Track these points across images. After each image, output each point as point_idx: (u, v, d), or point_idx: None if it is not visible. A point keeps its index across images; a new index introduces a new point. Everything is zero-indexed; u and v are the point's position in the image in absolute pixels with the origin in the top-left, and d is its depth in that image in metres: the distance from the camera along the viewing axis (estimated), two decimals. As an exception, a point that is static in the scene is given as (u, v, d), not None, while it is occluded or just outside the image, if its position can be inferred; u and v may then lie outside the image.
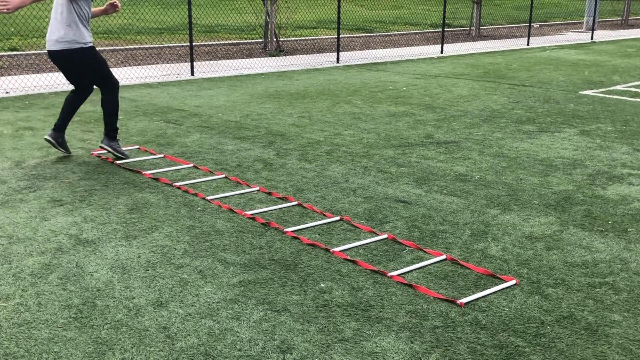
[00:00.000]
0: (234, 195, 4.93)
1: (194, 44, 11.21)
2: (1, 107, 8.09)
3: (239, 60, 12.81)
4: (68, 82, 9.79)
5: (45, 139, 5.75)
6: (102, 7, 5.81)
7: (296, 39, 16.04)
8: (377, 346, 2.96)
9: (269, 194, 4.97)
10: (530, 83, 10.37)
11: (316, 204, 4.75)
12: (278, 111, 7.99)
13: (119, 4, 5.83)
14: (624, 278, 3.64)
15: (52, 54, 5.50)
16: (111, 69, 11.02)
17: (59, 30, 5.42)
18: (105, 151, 5.94)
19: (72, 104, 5.78)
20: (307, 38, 16.41)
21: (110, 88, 5.75)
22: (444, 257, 3.87)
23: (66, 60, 5.50)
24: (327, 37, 16.73)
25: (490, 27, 20.64)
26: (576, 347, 2.97)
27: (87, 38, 5.49)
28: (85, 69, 5.60)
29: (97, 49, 13.90)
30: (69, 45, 5.42)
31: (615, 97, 9.23)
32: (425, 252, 3.95)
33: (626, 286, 3.54)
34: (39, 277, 3.58)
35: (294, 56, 13.43)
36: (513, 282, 3.56)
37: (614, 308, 3.31)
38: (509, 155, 6.08)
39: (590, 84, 10.31)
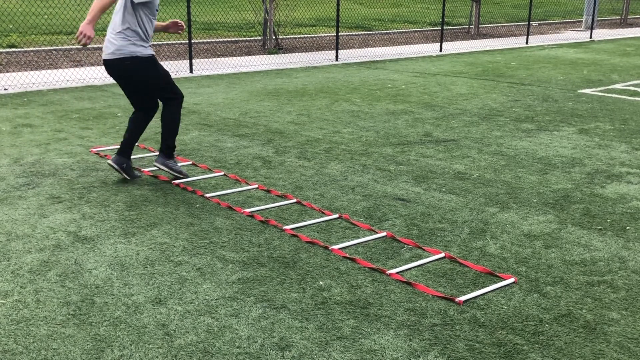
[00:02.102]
0: (232, 192, 4.92)
1: (192, 41, 11.20)
2: (0, 103, 8.08)
3: (238, 57, 12.80)
4: (66, 79, 9.85)
5: (109, 164, 5.16)
6: (165, 23, 5.30)
7: (295, 36, 16.03)
8: (375, 344, 2.96)
9: (268, 191, 4.97)
10: (529, 82, 10.37)
11: (315, 201, 4.75)
12: (277, 109, 7.99)
13: (184, 25, 5.33)
14: (622, 276, 3.64)
15: (107, 63, 4.93)
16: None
17: (116, 39, 4.84)
18: (103, 149, 5.92)
19: (136, 122, 5.16)
20: (306, 36, 16.40)
21: (172, 102, 5.17)
22: (442, 255, 3.87)
23: (121, 70, 4.94)
24: (326, 35, 16.72)
25: (489, 25, 20.64)
26: (574, 345, 2.97)
27: (146, 49, 4.92)
28: (143, 82, 5.01)
29: (97, 47, 13.83)
30: (125, 54, 4.84)
31: (614, 95, 9.24)
32: (424, 250, 3.95)
33: (624, 284, 3.55)
34: (38, 274, 3.58)
35: (293, 54, 13.42)
36: (512, 280, 3.56)
37: (612, 306, 3.32)
38: (507, 154, 6.08)
39: (589, 83, 10.32)
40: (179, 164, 5.35)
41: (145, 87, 5.04)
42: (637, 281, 3.59)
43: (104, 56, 4.89)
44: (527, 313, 3.24)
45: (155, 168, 5.28)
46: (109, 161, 5.16)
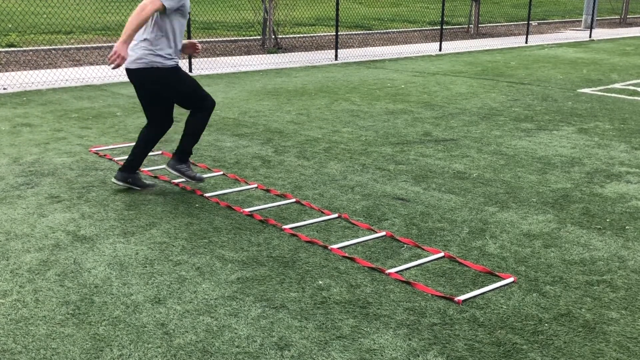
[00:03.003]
0: (232, 192, 4.92)
1: (192, 40, 11.20)
2: (-1, 103, 8.08)
3: (237, 57, 12.79)
4: (65, 78, 9.84)
5: (113, 182, 4.92)
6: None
7: (294, 36, 16.03)
8: (375, 343, 2.96)
9: (267, 191, 4.97)
10: (529, 81, 10.37)
11: (314, 201, 4.75)
12: (276, 108, 7.98)
13: (200, 47, 5.04)
14: (621, 276, 3.64)
15: (127, 72, 4.64)
16: (109, 66, 11.03)
17: (139, 47, 4.53)
18: (103, 148, 5.92)
19: (146, 139, 4.88)
20: (305, 35, 16.40)
21: (200, 110, 4.81)
22: (442, 254, 3.87)
23: (140, 81, 4.64)
24: (325, 34, 16.71)
25: (489, 25, 20.64)
26: (574, 345, 2.97)
27: (168, 59, 4.57)
28: (161, 95, 4.74)
29: (96, 46, 13.79)
30: (145, 65, 4.52)
31: (613, 95, 9.24)
32: (423, 249, 3.95)
33: (624, 284, 3.55)
34: (37, 273, 3.58)
35: (292, 53, 13.42)
36: (511, 279, 3.56)
37: (612, 306, 3.32)
38: (507, 153, 6.08)
39: (588, 82, 10.32)
40: (188, 168, 4.92)
41: (164, 99, 4.76)
42: (636, 280, 3.59)
43: (125, 64, 4.54)
44: (526, 312, 3.24)
45: (174, 173, 4.92)
46: (113, 180, 4.90)
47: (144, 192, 4.84)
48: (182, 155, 4.84)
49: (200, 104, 4.76)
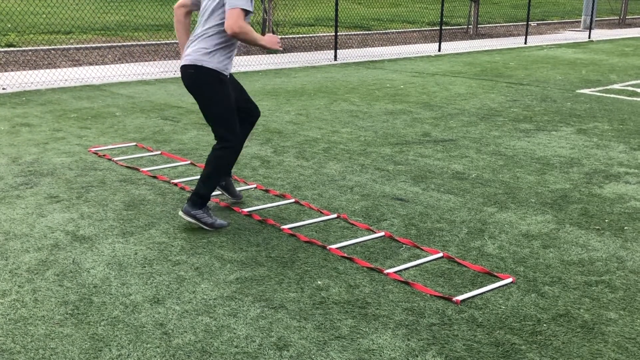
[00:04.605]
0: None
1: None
2: (-2, 103, 8.08)
3: (237, 57, 12.78)
4: (64, 78, 9.85)
5: (180, 216, 4.24)
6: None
7: (294, 36, 16.03)
8: (373, 343, 2.96)
9: (266, 191, 4.97)
10: (528, 81, 10.38)
11: (313, 201, 4.75)
12: (275, 108, 7.98)
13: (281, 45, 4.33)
14: (620, 276, 3.65)
15: (180, 71, 4.22)
16: (109, 66, 11.07)
17: (192, 43, 4.15)
18: (102, 148, 5.92)
19: (213, 157, 4.24)
20: (304, 35, 16.40)
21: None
22: (440, 254, 3.87)
23: (185, 80, 4.19)
24: (324, 34, 16.72)
25: (488, 25, 20.64)
26: (572, 345, 2.97)
27: (218, 62, 4.09)
28: (199, 98, 4.20)
29: (95, 46, 13.76)
30: (191, 61, 4.10)
31: (612, 96, 9.25)
32: (422, 249, 3.95)
33: (622, 284, 3.55)
34: (36, 273, 3.58)
35: (292, 53, 13.42)
36: (509, 280, 3.57)
37: (610, 306, 3.32)
38: (506, 154, 6.08)
39: (587, 83, 10.32)
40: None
41: (202, 104, 4.21)
42: (634, 281, 3.59)
43: (182, 61, 4.19)
44: (525, 313, 3.24)
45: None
46: (180, 213, 4.21)
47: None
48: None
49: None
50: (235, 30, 3.91)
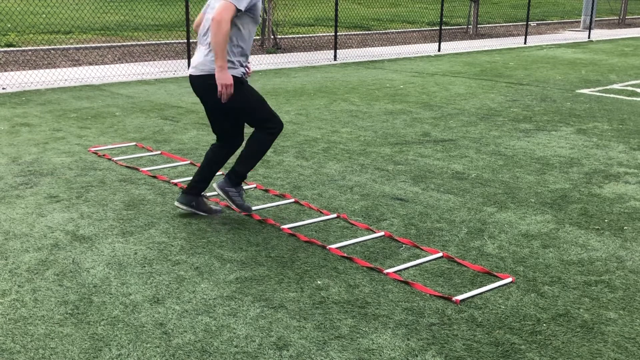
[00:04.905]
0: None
1: (191, 40, 11.19)
2: (-2, 103, 8.08)
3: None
4: (64, 78, 9.84)
5: (176, 206, 4.41)
6: None
7: (294, 36, 16.03)
8: (373, 343, 2.96)
9: (266, 191, 4.97)
10: (528, 81, 10.38)
11: (313, 201, 4.75)
12: (275, 108, 7.98)
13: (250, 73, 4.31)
14: (619, 276, 3.65)
15: (190, 80, 4.20)
16: (108, 66, 11.07)
17: (203, 51, 4.08)
18: (102, 148, 5.90)
19: (214, 156, 4.37)
20: (304, 35, 16.40)
21: (264, 130, 4.25)
22: (440, 254, 3.87)
23: (202, 89, 4.14)
24: (324, 34, 16.72)
25: (488, 25, 20.65)
26: (572, 345, 2.97)
27: (235, 68, 4.06)
28: (225, 106, 4.14)
29: (95, 46, 13.79)
30: (208, 71, 4.03)
31: (612, 96, 9.25)
32: (421, 249, 3.95)
33: (622, 284, 3.55)
34: (36, 273, 3.58)
35: (292, 53, 13.42)
36: (509, 279, 3.57)
37: (610, 306, 3.32)
38: (505, 154, 6.09)
39: (587, 83, 10.33)
40: (238, 193, 4.30)
41: (227, 112, 4.22)
42: (634, 281, 3.59)
43: (189, 70, 4.18)
44: (524, 312, 3.24)
45: (221, 195, 4.29)
46: (176, 203, 4.39)
47: (208, 217, 4.40)
48: (234, 177, 4.25)
49: (262, 122, 4.23)
50: (215, 18, 3.84)
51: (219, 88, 3.94)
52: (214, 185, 4.29)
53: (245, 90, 4.15)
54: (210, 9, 4.09)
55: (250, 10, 3.99)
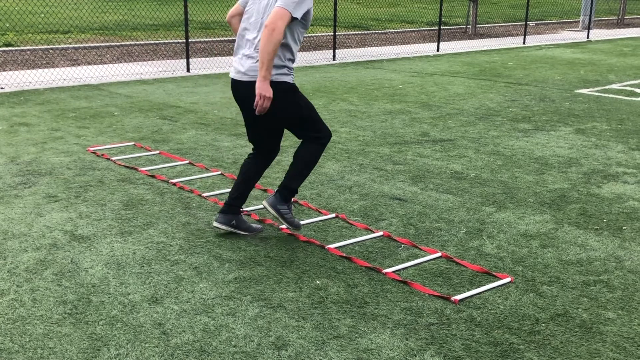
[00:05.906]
0: (230, 192, 4.91)
1: (189, 40, 11.19)
2: (-4, 102, 8.08)
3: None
4: (63, 78, 9.84)
5: (215, 227, 4.14)
6: None
7: (292, 36, 16.00)
8: (372, 343, 2.96)
9: (265, 191, 4.97)
10: (526, 81, 10.38)
11: (312, 201, 4.75)
12: (274, 108, 7.97)
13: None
14: (618, 276, 3.65)
15: (234, 84, 3.94)
16: (107, 65, 11.06)
17: (253, 56, 3.80)
18: (100, 148, 5.90)
19: (250, 168, 4.10)
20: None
21: (313, 141, 3.98)
22: (439, 254, 3.87)
23: (249, 96, 3.81)
24: (323, 34, 16.72)
25: (487, 25, 20.66)
26: (570, 345, 2.97)
27: (287, 74, 3.81)
28: (273, 116, 3.82)
29: (93, 45, 13.79)
30: (255, 78, 3.76)
31: (610, 96, 9.25)
32: (420, 249, 3.95)
33: (620, 284, 3.55)
34: (34, 272, 3.57)
35: (290, 53, 13.40)
36: (508, 279, 3.57)
37: (609, 306, 3.32)
38: (504, 154, 6.09)
39: (586, 83, 10.33)
40: (289, 209, 4.05)
41: (275, 122, 3.90)
42: (633, 281, 3.60)
43: (232, 74, 3.90)
44: (523, 312, 3.24)
45: (272, 213, 4.01)
46: (215, 224, 4.09)
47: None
48: (285, 193, 4.01)
49: (313, 132, 3.96)
50: (269, 25, 3.55)
51: (257, 98, 3.65)
52: (264, 203, 4.00)
53: (299, 98, 3.87)
54: (255, 4, 3.82)
55: (304, 16, 3.72)
